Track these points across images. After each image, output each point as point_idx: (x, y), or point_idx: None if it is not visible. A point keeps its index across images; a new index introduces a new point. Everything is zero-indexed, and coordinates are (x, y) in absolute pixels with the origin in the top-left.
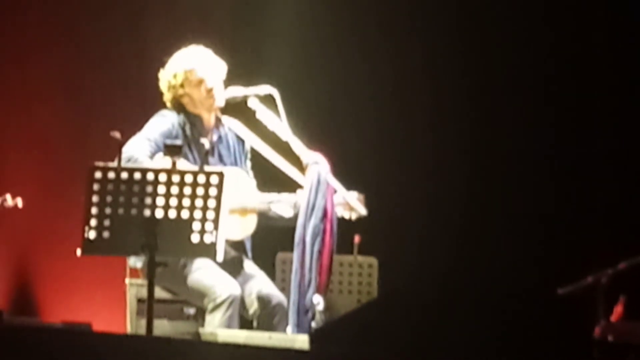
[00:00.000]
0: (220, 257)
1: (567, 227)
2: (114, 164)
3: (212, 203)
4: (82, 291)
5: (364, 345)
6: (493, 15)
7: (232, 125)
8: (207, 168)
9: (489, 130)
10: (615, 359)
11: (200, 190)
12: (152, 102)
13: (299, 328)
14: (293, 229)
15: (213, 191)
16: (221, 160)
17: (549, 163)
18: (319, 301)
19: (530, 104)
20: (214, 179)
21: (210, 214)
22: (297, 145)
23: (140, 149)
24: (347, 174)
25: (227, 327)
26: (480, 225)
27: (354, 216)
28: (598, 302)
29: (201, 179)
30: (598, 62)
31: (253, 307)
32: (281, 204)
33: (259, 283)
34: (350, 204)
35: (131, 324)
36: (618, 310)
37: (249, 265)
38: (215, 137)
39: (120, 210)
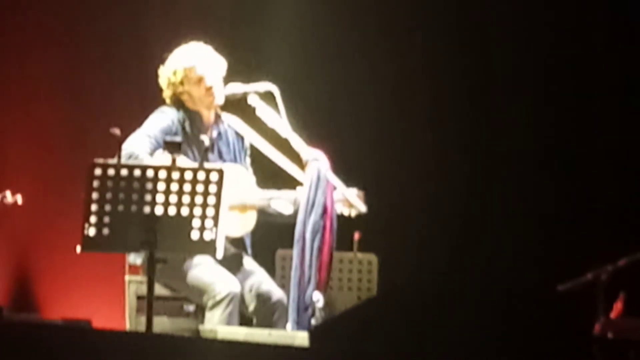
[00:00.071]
0: (220, 254)
1: (567, 225)
2: (114, 160)
3: (211, 200)
4: (82, 288)
5: (363, 342)
6: (493, 15)
7: (232, 122)
8: (206, 165)
9: (489, 128)
10: (615, 356)
11: (200, 187)
12: (152, 99)
13: (299, 325)
14: (293, 226)
15: (213, 188)
16: (221, 156)
17: (549, 162)
18: (318, 298)
19: (530, 103)
20: (214, 176)
21: (210, 211)
22: (297, 142)
23: (140, 146)
24: (346, 171)
25: (227, 324)
26: (479, 223)
27: (353, 213)
28: (598, 299)
29: (201, 175)
30: (598, 62)
31: (253, 304)
32: (281, 201)
33: (258, 280)
34: (349, 200)
35: (130, 321)
36: (618, 306)
37: (249, 262)
38: (214, 134)
39: (120, 207)
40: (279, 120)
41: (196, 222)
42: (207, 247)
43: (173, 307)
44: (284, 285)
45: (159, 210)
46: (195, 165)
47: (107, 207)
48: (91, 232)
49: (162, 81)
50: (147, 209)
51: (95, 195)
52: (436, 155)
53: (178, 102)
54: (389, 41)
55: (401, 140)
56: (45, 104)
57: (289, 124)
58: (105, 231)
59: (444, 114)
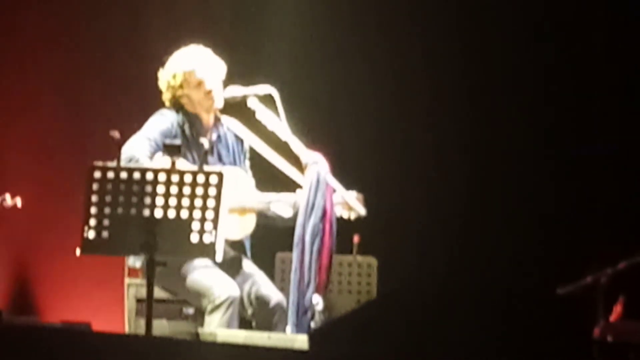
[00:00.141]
0: (219, 257)
1: (567, 225)
2: (114, 163)
3: (211, 203)
4: (81, 291)
5: (363, 344)
6: (493, 14)
7: (231, 125)
8: (206, 168)
9: (489, 129)
10: (615, 359)
11: (199, 190)
12: (152, 102)
13: (298, 328)
14: (292, 229)
15: (212, 191)
16: (220, 159)
17: (548, 163)
18: (318, 301)
19: (530, 103)
20: (213, 179)
21: (210, 214)
22: (297, 145)
23: (140, 149)
24: (346, 173)
25: (227, 327)
26: (479, 225)
27: (352, 216)
28: (597, 302)
29: (200, 178)
30: (598, 62)
31: (252, 307)
32: (280, 204)
33: (258, 283)
34: (349, 203)
35: (130, 324)
36: (617, 310)
37: (248, 265)
38: (214, 137)
39: (120, 210)
40: (278, 123)
41: (196, 225)
42: (207, 250)
43: (172, 310)
44: (283, 288)
45: (158, 213)
46: (195, 168)
47: (107, 210)
48: (91, 234)
49: (162, 84)
50: (146, 212)
51: (94, 198)
52: (436, 157)
53: (177, 105)
54: (389, 43)
55: (401, 142)
56: (44, 106)
57: (288, 127)
58: (105, 234)
59: (444, 115)
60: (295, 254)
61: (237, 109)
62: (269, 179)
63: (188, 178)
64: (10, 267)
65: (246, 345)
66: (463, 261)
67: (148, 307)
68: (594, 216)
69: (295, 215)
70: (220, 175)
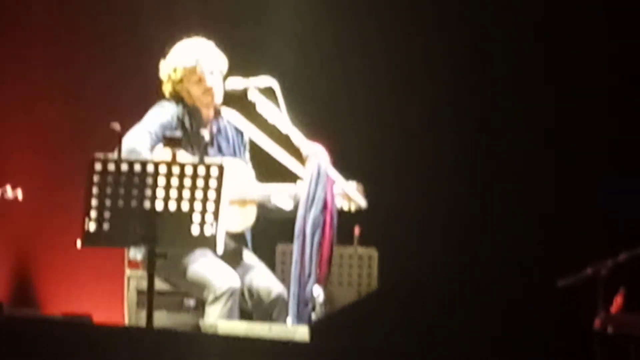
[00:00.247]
0: (220, 249)
1: (568, 219)
2: (114, 155)
3: (212, 195)
4: (82, 283)
5: (364, 336)
6: (494, 11)
7: (231, 117)
8: (206, 160)
9: (489, 121)
10: (615, 351)
11: (200, 182)
12: (152, 94)
13: (299, 320)
14: (293, 221)
15: (213, 183)
16: (220, 151)
17: (549, 153)
18: (319, 293)
19: (529, 93)
20: (214, 171)
21: (210, 206)
22: (297, 137)
23: (140, 141)
24: (347, 165)
25: (227, 319)
26: (480, 217)
27: (353, 207)
28: (598, 294)
29: (201, 170)
30: (598, 61)
31: (253, 298)
32: (281, 196)
33: (258, 274)
34: (349, 194)
35: (130, 316)
36: (618, 301)
37: (249, 257)
38: (214, 129)
39: (120, 202)
40: (279, 115)
41: (196, 217)
42: (208, 242)
43: (173, 302)
44: (284, 280)
45: (159, 205)
46: (195, 160)
47: (108, 202)
48: (91, 227)
49: (162, 75)
50: (147, 204)
51: (95, 190)
52: (436, 148)
53: (177, 97)
54: (389, 35)
55: (401, 134)
56: (45, 99)
57: (289, 119)
58: (106, 226)
59: (445, 107)
60: (295, 246)
61: (237, 100)
62: (270, 170)
63: (189, 170)
64: (11, 259)
65: (247, 337)
66: (464, 253)
67: (149, 299)
68: (593, 207)
69: (296, 207)
70: (220, 167)
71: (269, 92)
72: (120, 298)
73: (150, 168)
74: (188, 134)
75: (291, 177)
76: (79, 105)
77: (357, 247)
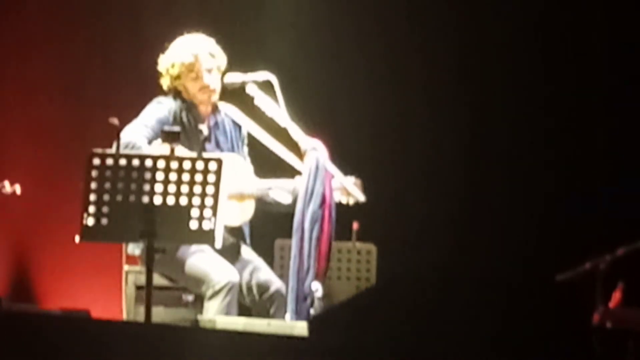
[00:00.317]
0: (218, 243)
1: (566, 213)
2: (112, 150)
3: (210, 190)
4: (81, 278)
5: (362, 331)
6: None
7: (229, 111)
8: (205, 154)
9: (488, 116)
10: (614, 346)
11: (198, 177)
12: (150, 90)
13: (298, 315)
14: (291, 216)
15: (211, 178)
16: (218, 146)
17: (547, 149)
18: (317, 288)
19: (528, 89)
20: (213, 166)
21: (209, 201)
22: (296, 132)
23: (139, 136)
24: (345, 160)
25: (226, 314)
26: (479, 211)
27: (351, 201)
28: (596, 289)
29: (199, 165)
30: (597, 60)
31: (251, 293)
32: (279, 190)
33: (257, 269)
34: (347, 189)
35: (129, 311)
36: (616, 296)
37: (247, 252)
38: (212, 123)
39: (119, 197)
40: (277, 109)
41: (195, 212)
42: (206, 237)
43: (171, 297)
44: (282, 275)
45: (157, 200)
46: (194, 155)
47: (106, 197)
48: (90, 222)
49: (161, 69)
50: (145, 199)
51: (93, 185)
52: (435, 143)
53: (175, 92)
54: (388, 31)
55: (400, 129)
56: (44, 94)
57: (287, 114)
58: (104, 221)
59: (443, 102)
60: (294, 241)
61: (235, 95)
62: (268, 165)
63: (187, 165)
64: (9, 254)
65: (245, 332)
66: (462, 247)
67: (147, 294)
68: (592, 202)
69: (294, 201)
70: (219, 162)
71: (267, 87)
72: (118, 293)
73: (148, 163)
74: (186, 129)
75: (289, 171)
76: (77, 100)
77: (356, 242)
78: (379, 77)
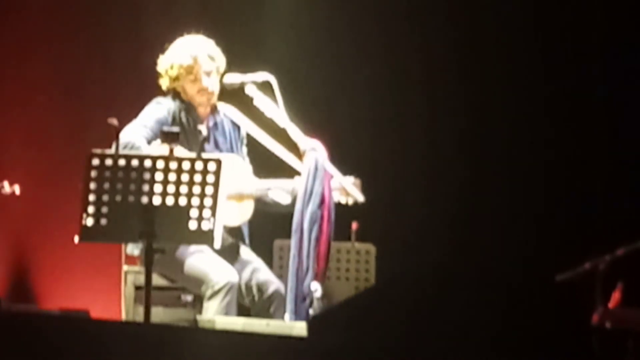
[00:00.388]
0: (217, 244)
1: (566, 213)
2: (111, 150)
3: (209, 190)
4: (80, 278)
5: (361, 332)
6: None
7: (228, 112)
8: (204, 155)
9: (487, 116)
10: (614, 346)
11: (197, 177)
12: (150, 90)
13: (297, 315)
14: (291, 216)
15: (211, 178)
16: (217, 146)
17: (548, 148)
18: (316, 288)
19: (527, 89)
20: (212, 166)
21: (208, 201)
22: (295, 132)
23: (138, 136)
24: (344, 160)
25: (225, 314)
26: (478, 211)
27: (350, 201)
28: (596, 289)
29: (199, 165)
30: (597, 60)
31: (250, 294)
32: (278, 191)
33: (256, 270)
34: (346, 189)
35: (128, 311)
36: (616, 296)
37: (246, 252)
38: (211, 124)
39: (118, 197)
40: (276, 110)
41: (194, 212)
42: (205, 237)
43: (170, 297)
44: (281, 275)
45: (156, 201)
46: (193, 155)
47: (105, 197)
48: (89, 222)
49: (160, 70)
50: (144, 199)
51: (93, 186)
52: (434, 143)
53: (174, 92)
54: (387, 31)
55: (399, 129)
56: (43, 94)
57: (286, 114)
58: (103, 221)
59: (442, 102)
60: (293, 241)
61: (235, 96)
62: (267, 165)
63: (186, 165)
64: (8, 254)
65: (245, 332)
66: (461, 247)
67: (146, 294)
68: (592, 202)
69: (294, 202)
70: (218, 162)
71: (266, 88)
72: (117, 293)
73: (147, 163)
74: (185, 129)
75: (289, 172)
76: (76, 100)
77: (355, 242)
78: (378, 77)
